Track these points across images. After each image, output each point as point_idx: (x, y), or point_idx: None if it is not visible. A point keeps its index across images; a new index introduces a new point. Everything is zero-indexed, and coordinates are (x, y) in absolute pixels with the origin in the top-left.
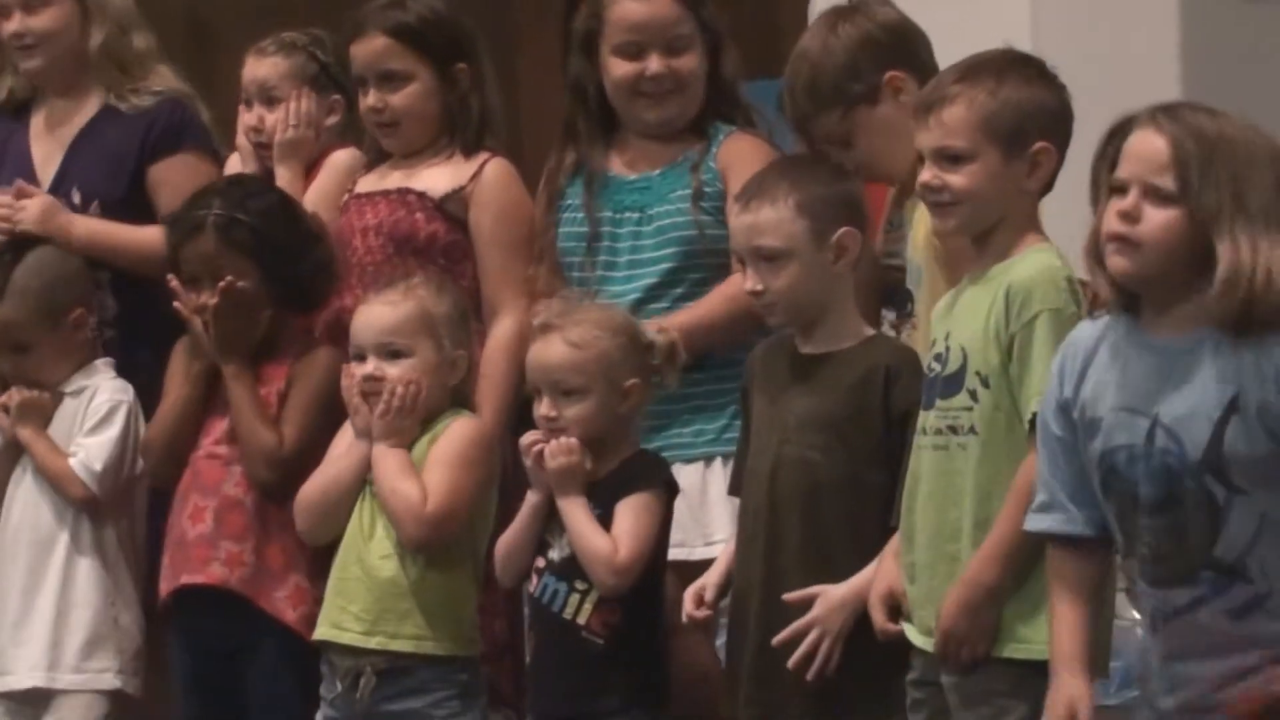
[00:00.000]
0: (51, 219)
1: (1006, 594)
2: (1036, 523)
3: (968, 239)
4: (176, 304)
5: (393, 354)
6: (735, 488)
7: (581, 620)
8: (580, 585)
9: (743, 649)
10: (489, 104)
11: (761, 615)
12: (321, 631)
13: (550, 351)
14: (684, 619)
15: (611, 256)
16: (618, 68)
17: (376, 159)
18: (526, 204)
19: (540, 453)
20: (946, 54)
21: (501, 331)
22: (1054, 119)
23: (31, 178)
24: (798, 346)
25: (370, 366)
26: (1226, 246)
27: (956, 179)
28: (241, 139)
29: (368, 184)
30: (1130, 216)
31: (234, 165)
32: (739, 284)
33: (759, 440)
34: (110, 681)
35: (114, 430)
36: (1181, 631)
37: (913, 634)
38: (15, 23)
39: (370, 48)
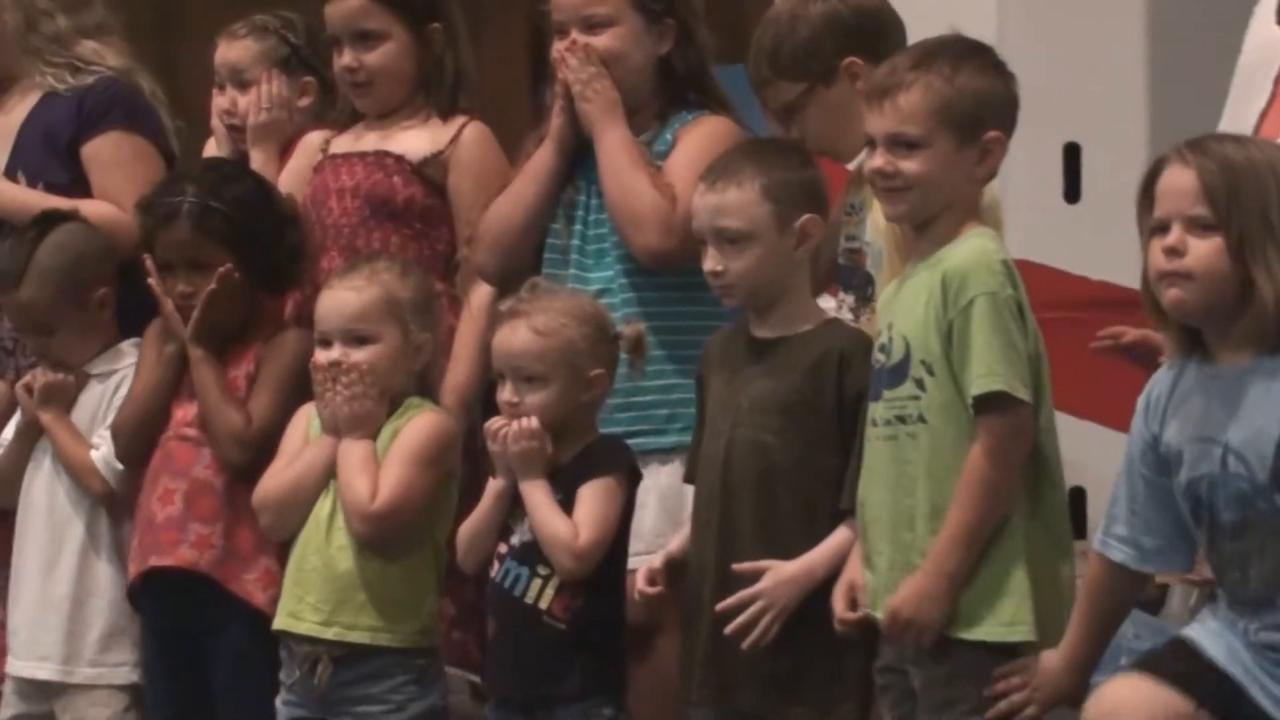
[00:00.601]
0: None
1: (962, 581)
2: (1109, 550)
3: (910, 226)
4: (151, 283)
5: (358, 340)
6: (691, 475)
7: (543, 605)
8: (542, 570)
9: (697, 632)
10: (463, 64)
11: (715, 599)
12: (280, 622)
13: (515, 338)
14: (635, 595)
15: (584, 227)
16: (554, 45)
17: (350, 120)
18: (504, 168)
19: (504, 436)
20: (912, 34)
21: (481, 295)
22: (1004, 108)
23: None
24: (752, 330)
25: (336, 353)
26: (1260, 270)
27: (909, 165)
28: (216, 122)
29: (343, 145)
30: (1176, 251)
31: (210, 149)
32: None
33: (713, 424)
34: (127, 676)
35: None
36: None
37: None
38: None
39: (345, 7)
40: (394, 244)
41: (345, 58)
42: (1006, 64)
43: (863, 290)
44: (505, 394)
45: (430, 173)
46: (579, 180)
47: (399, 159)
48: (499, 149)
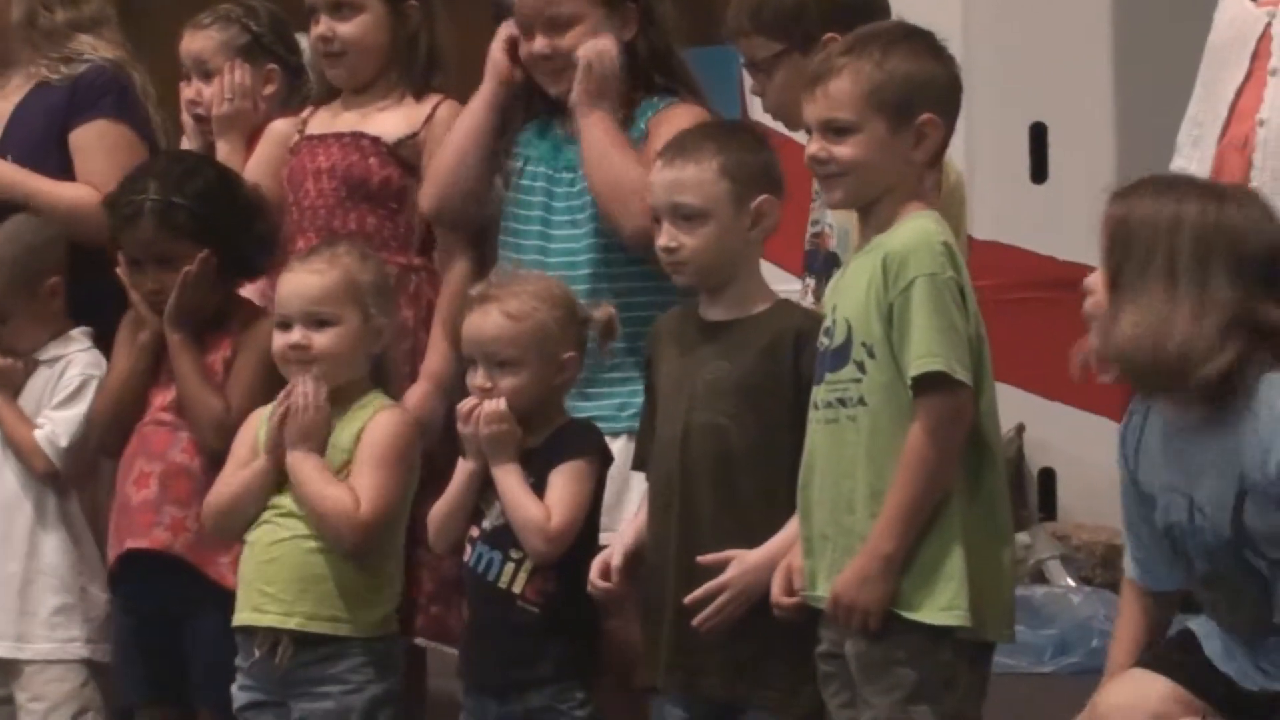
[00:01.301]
0: None
1: (901, 562)
2: (1128, 568)
3: (854, 210)
4: (119, 272)
5: (319, 322)
6: (640, 462)
7: (517, 589)
8: (515, 554)
9: (660, 618)
10: (438, 43)
11: (678, 583)
12: (244, 617)
13: (487, 323)
14: (589, 589)
15: (546, 214)
16: (523, 46)
17: (327, 96)
18: None
19: (471, 417)
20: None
21: (457, 272)
22: (941, 91)
23: None
24: (703, 313)
25: (297, 335)
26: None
27: (842, 150)
28: (184, 114)
29: (319, 124)
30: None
31: (186, 144)
32: None
33: (667, 408)
34: (78, 651)
35: (82, 405)
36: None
37: (818, 606)
38: None
39: None
40: (370, 224)
41: (320, 26)
42: (945, 49)
43: (827, 271)
44: (477, 379)
45: (405, 154)
46: (545, 166)
47: (375, 140)
48: None
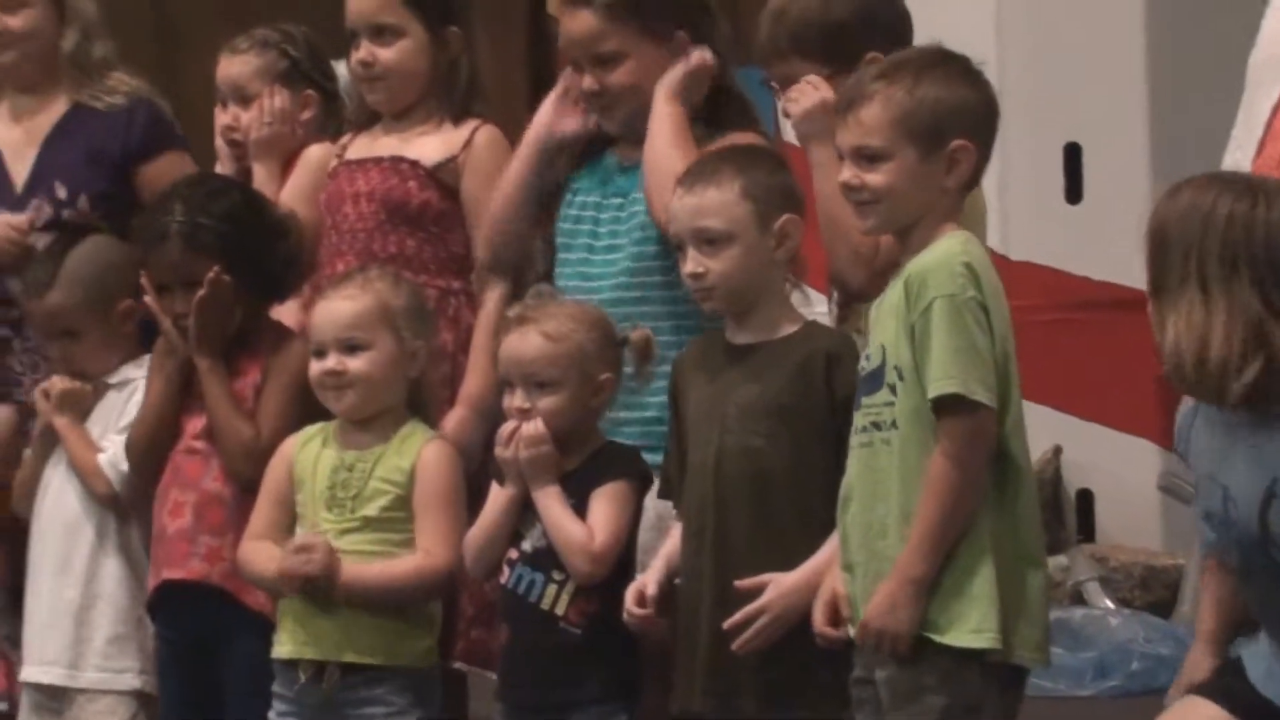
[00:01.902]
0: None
1: (929, 586)
2: (1204, 544)
3: (892, 235)
4: (148, 299)
5: (352, 348)
6: (665, 491)
7: (559, 611)
8: (557, 576)
9: (696, 642)
10: (477, 69)
11: (714, 608)
12: (286, 650)
13: (526, 344)
14: (624, 617)
15: (592, 240)
16: (572, 78)
17: (366, 121)
18: None
19: (512, 441)
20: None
21: (496, 296)
22: (975, 117)
23: (2, 173)
24: (730, 338)
25: (331, 362)
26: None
27: (874, 178)
28: (219, 139)
29: (358, 149)
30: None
31: (220, 169)
32: None
33: (698, 434)
34: (130, 682)
35: None
36: None
37: (853, 633)
38: None
39: (366, 0)
40: (410, 247)
41: (361, 51)
42: (980, 73)
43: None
44: (515, 400)
45: (444, 177)
46: (593, 194)
47: (414, 164)
48: (511, 153)
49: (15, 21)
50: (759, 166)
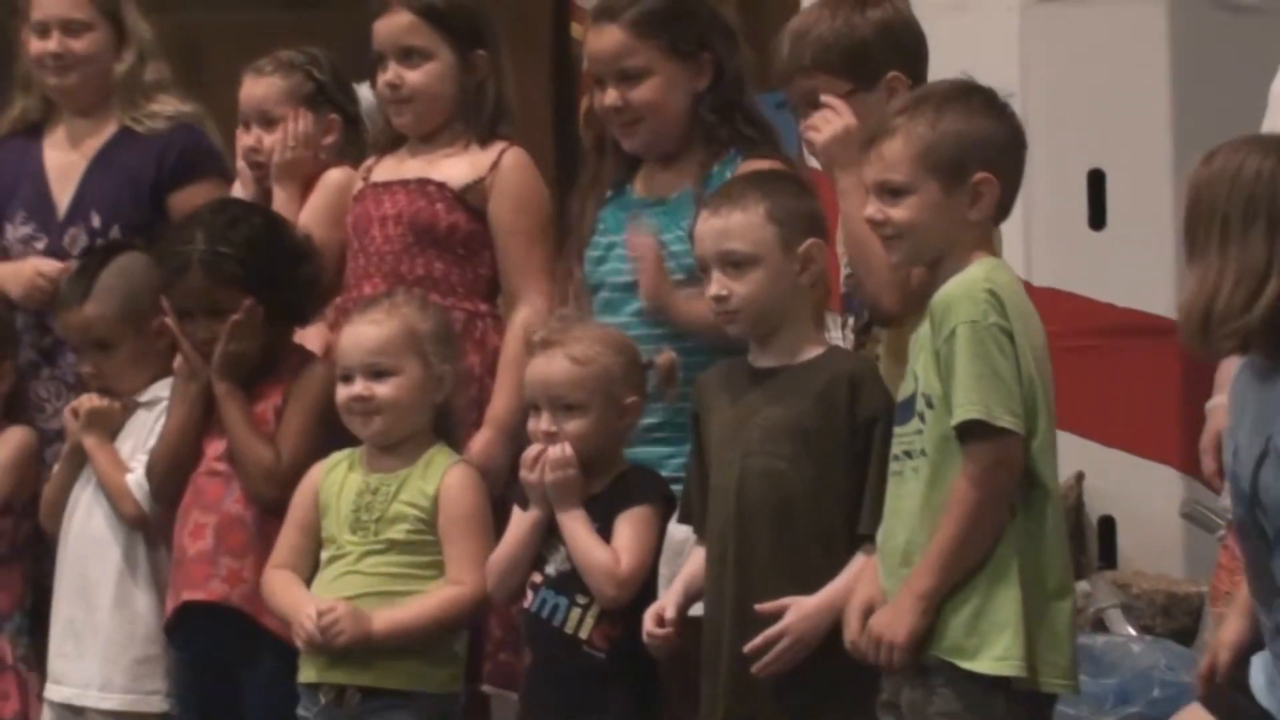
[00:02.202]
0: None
1: (935, 604)
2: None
3: (922, 268)
4: (168, 321)
5: (379, 373)
6: (685, 515)
7: (583, 635)
8: (581, 599)
9: (718, 665)
10: (504, 92)
11: (735, 630)
12: (310, 674)
13: (553, 367)
14: (644, 638)
15: (616, 277)
16: (596, 98)
17: (391, 144)
18: (543, 193)
19: (538, 464)
20: (936, 73)
21: (522, 317)
22: (998, 149)
23: (47, 198)
24: (752, 361)
25: (358, 387)
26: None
27: (897, 212)
28: (240, 161)
29: (384, 172)
30: None
31: (237, 190)
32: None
33: (720, 456)
34: (159, 704)
35: None
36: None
37: None
38: (54, 43)
39: (394, 23)
40: (438, 269)
41: (389, 73)
42: (1006, 105)
43: (861, 314)
44: (541, 424)
45: (471, 199)
46: (603, 222)
47: (441, 186)
48: (538, 175)
49: (79, 45)
50: (784, 191)
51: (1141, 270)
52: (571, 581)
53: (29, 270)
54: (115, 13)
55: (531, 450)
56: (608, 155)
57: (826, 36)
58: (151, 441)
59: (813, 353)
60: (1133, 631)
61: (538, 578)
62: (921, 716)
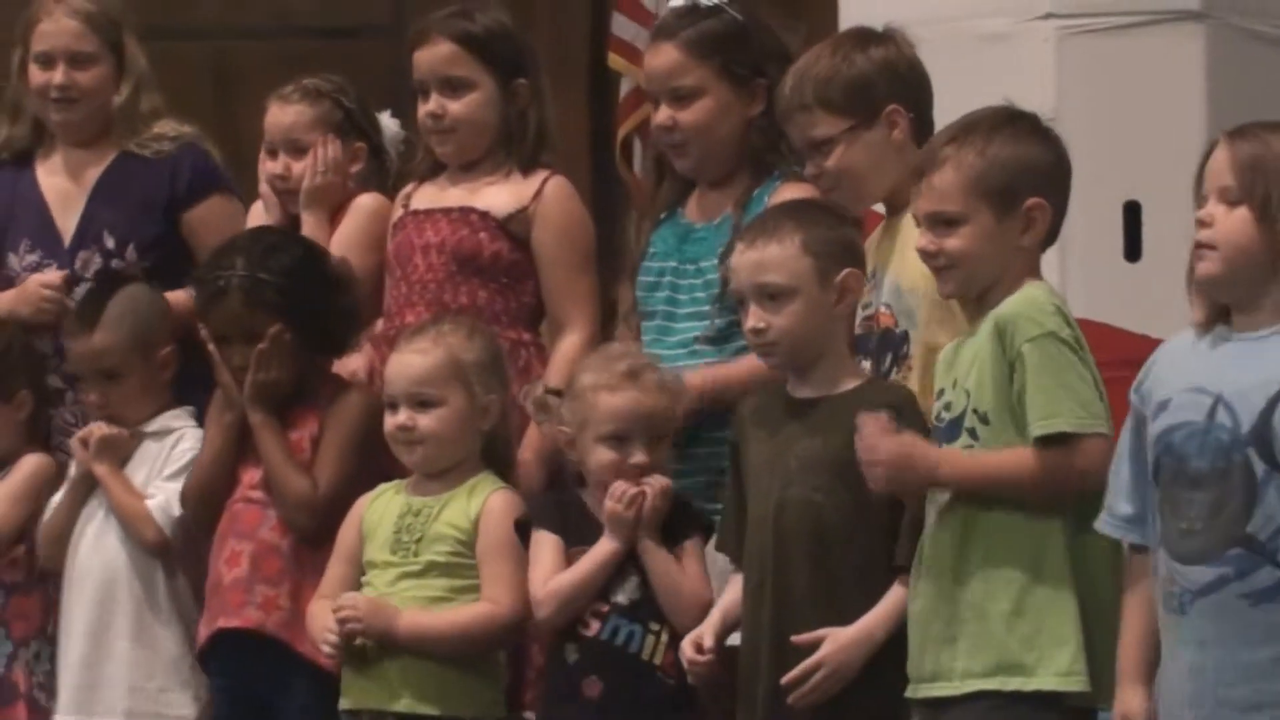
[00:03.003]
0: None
1: (941, 482)
2: (1124, 533)
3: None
4: (210, 349)
5: (424, 403)
6: (722, 544)
7: (657, 661)
8: (654, 627)
9: (755, 695)
10: (546, 120)
11: (772, 661)
12: (348, 701)
13: (651, 398)
14: (685, 665)
15: (671, 307)
16: (653, 118)
17: (430, 172)
18: (587, 221)
19: (636, 500)
20: (972, 102)
21: (568, 345)
22: (1047, 175)
23: (50, 226)
24: (790, 392)
25: (403, 417)
26: None
27: (951, 243)
28: (264, 187)
29: (424, 199)
30: (1204, 223)
31: (257, 213)
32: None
33: (758, 486)
34: None
35: None
36: (1206, 613)
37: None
38: (60, 75)
39: (435, 53)
40: (481, 298)
41: (430, 104)
42: (1050, 129)
43: (897, 349)
44: (638, 457)
45: (515, 228)
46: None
47: (484, 215)
48: (580, 203)
49: (85, 78)
50: (820, 221)
51: (1178, 302)
52: (645, 609)
53: (32, 287)
54: (118, 45)
55: (620, 485)
56: (665, 178)
57: (827, 72)
58: (167, 470)
59: (851, 384)
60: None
61: (604, 606)
62: None
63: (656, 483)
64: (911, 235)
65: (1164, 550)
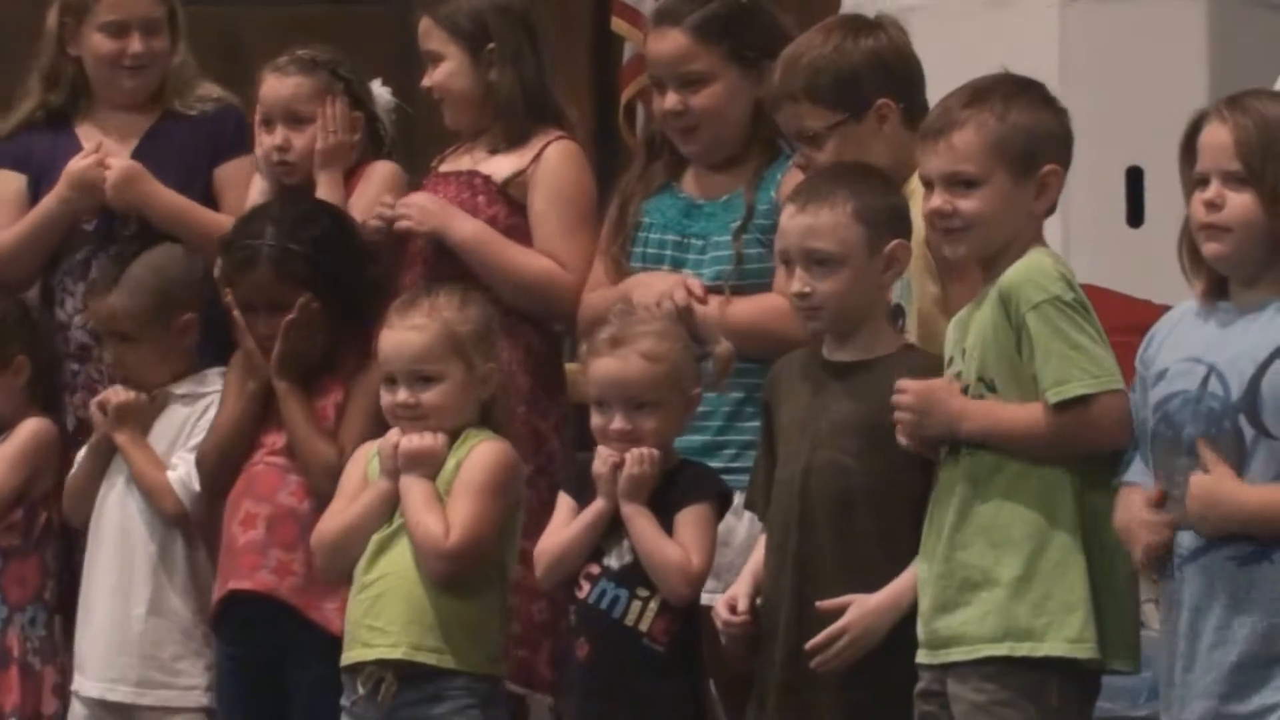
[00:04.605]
0: (134, 185)
1: (963, 434)
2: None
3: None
4: (235, 314)
5: (423, 379)
6: (751, 501)
7: (643, 627)
8: (642, 593)
9: (773, 655)
10: (530, 85)
11: (792, 621)
12: (350, 655)
13: (628, 366)
14: (720, 627)
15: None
16: (655, 101)
17: (471, 137)
18: (584, 182)
19: (616, 463)
20: (975, 68)
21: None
22: (1059, 142)
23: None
24: (826, 355)
25: (403, 395)
26: None
27: (967, 204)
28: (260, 159)
29: (450, 163)
30: (1215, 205)
31: (255, 183)
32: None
33: (788, 447)
34: (198, 699)
35: None
36: (1196, 576)
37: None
38: (137, 43)
39: (420, 26)
40: None
41: (425, 78)
42: (1058, 99)
43: (891, 322)
44: (616, 423)
45: (514, 192)
46: (651, 217)
47: (486, 179)
48: (582, 166)
49: (158, 45)
50: (871, 189)
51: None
52: (633, 574)
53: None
54: (174, 9)
55: (605, 451)
56: (659, 157)
57: (817, 63)
58: (194, 440)
59: (887, 349)
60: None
61: (595, 569)
62: (968, 706)
63: (636, 451)
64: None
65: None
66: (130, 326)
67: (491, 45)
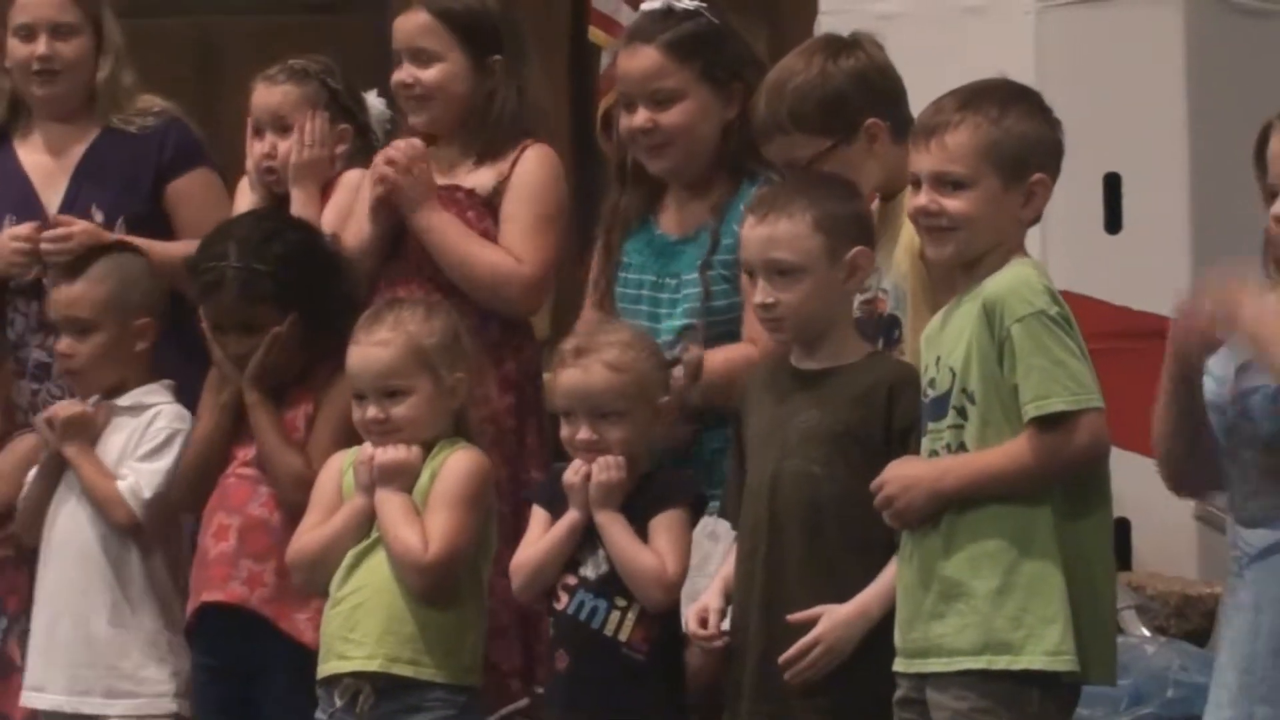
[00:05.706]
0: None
1: (947, 503)
2: None
3: (958, 265)
4: (205, 330)
5: (391, 394)
6: (724, 510)
7: (623, 637)
8: (620, 602)
9: (744, 662)
10: (529, 100)
11: (763, 628)
12: (326, 668)
13: (592, 377)
14: (691, 641)
15: (654, 323)
16: (621, 119)
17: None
18: (554, 186)
19: (587, 473)
20: (952, 75)
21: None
22: (1050, 153)
23: (34, 201)
24: (794, 363)
25: (373, 410)
26: None
27: (954, 204)
28: (250, 168)
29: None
30: None
31: (244, 191)
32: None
33: (757, 455)
34: (167, 706)
35: (168, 459)
36: (1260, 576)
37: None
38: (42, 45)
39: (413, 21)
40: None
41: (401, 72)
42: (1050, 110)
43: (888, 334)
44: (581, 434)
45: (497, 204)
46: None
47: (470, 193)
48: (555, 170)
49: (68, 50)
50: (831, 197)
51: (1157, 273)
52: (611, 584)
53: (3, 241)
54: (98, 18)
55: (578, 462)
56: (629, 186)
57: (803, 89)
58: (141, 450)
59: (854, 358)
60: (1147, 633)
61: (572, 580)
62: (949, 713)
63: (603, 459)
64: (906, 218)
65: (1231, 515)
66: (88, 314)
67: (498, 57)
